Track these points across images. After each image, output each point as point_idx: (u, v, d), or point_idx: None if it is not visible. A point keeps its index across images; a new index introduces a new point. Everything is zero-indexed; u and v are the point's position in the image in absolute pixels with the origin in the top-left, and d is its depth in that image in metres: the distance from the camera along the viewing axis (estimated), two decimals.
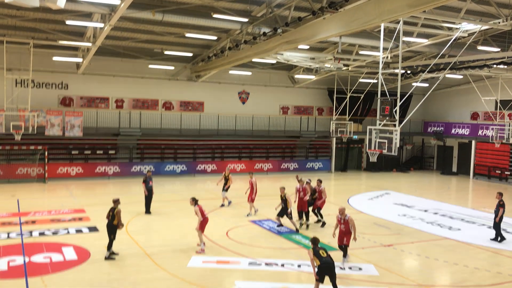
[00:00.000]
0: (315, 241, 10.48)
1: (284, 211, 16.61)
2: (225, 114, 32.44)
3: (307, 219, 17.45)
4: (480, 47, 23.83)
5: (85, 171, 28.15)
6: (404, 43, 22.03)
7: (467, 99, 35.97)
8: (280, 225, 17.06)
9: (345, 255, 12.97)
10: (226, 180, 20.88)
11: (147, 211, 18.97)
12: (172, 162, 30.63)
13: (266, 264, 12.98)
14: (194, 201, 14.07)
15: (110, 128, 29.32)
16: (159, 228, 16.90)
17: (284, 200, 16.56)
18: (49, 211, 18.88)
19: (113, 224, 13.01)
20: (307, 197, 17.38)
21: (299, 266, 12.92)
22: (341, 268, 12.45)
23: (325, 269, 10.00)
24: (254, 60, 25.73)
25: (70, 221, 17.34)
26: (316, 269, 10.10)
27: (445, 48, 19.46)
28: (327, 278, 10.08)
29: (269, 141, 34.19)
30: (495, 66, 25.09)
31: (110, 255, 13.08)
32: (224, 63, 25.50)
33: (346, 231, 12.88)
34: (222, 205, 20.83)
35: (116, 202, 13.20)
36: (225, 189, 20.83)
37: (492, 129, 29.55)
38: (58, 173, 27.37)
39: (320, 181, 18.08)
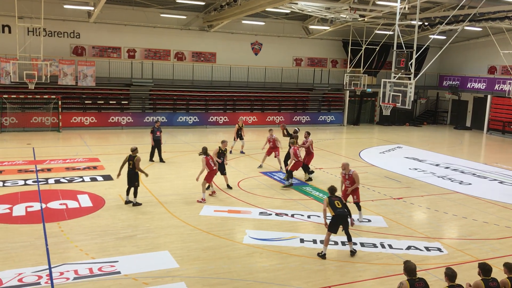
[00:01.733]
0: (332, 190, 10.58)
1: (222, 167, 15.57)
2: (237, 66, 32.11)
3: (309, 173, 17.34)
4: None
5: (98, 120, 28.38)
6: None
7: (485, 52, 35.08)
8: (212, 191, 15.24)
9: (359, 209, 12.81)
10: (240, 130, 21.87)
11: (151, 159, 19.47)
12: (184, 113, 30.69)
13: (276, 214, 13.21)
14: (203, 152, 14.23)
15: (122, 78, 29.29)
16: (172, 178, 17.18)
17: (224, 155, 15.71)
18: (64, 160, 19.21)
19: (136, 171, 13.32)
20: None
21: (308, 217, 13.13)
22: (359, 220, 12.64)
23: (339, 219, 10.14)
24: (267, 9, 25.16)
25: (85, 170, 17.67)
26: (328, 220, 10.27)
27: None
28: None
29: (281, 93, 33.96)
30: None
31: (136, 203, 13.50)
32: (237, 12, 24.98)
33: (351, 186, 12.63)
34: (242, 152, 21.87)
35: (135, 150, 13.46)
36: (241, 137, 21.87)
37: (510, 83, 28.93)
38: (71, 122, 27.65)
39: (308, 133, 17.68)
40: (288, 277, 9.38)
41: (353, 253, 10.40)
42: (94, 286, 8.68)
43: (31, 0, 25.16)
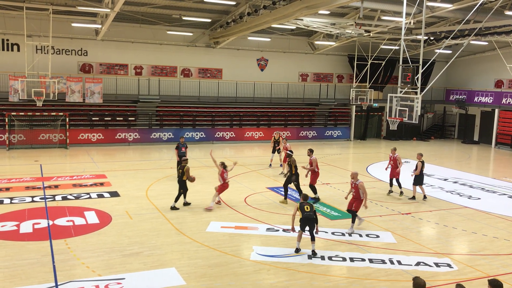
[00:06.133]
0: (305, 197, 11.65)
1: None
2: (243, 81, 32.26)
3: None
4: (507, 12, 22.98)
5: (105, 137, 28.51)
6: (427, 8, 21.38)
7: (492, 66, 35.04)
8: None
9: (353, 220, 13.00)
10: (277, 143, 22.51)
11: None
12: (191, 129, 30.78)
13: (284, 230, 13.11)
14: (222, 165, 15.15)
15: (129, 95, 29.50)
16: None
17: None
18: (71, 176, 19.26)
19: (183, 179, 14.81)
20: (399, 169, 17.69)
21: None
22: (348, 234, 12.73)
23: (305, 221, 11.08)
24: (273, 26, 25.33)
25: (92, 186, 17.68)
26: (298, 222, 11.26)
27: (471, 13, 18.83)
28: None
29: (287, 109, 34.02)
30: None
31: (186, 203, 15.19)
32: (243, 29, 25.18)
33: (355, 196, 12.95)
34: (270, 165, 22.49)
35: (185, 161, 15.24)
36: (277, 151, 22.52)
37: None
38: (79, 139, 27.80)
39: (311, 151, 16.79)
40: None
41: (314, 253, 11.11)
42: None
43: (39, 19, 25.52)
